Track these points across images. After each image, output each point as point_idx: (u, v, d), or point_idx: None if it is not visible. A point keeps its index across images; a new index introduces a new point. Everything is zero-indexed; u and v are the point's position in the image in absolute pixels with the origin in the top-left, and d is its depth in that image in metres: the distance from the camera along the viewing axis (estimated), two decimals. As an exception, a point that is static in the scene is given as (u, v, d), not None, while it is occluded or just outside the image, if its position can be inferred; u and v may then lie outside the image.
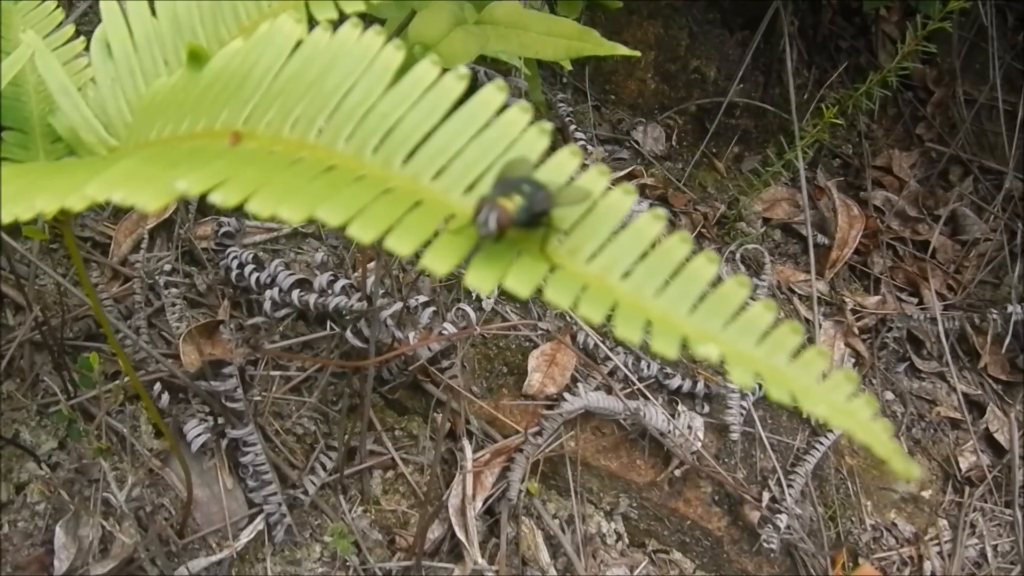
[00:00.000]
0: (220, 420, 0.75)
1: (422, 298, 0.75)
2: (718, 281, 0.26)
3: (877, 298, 1.12)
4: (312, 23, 0.29)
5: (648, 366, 0.90)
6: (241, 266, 0.80)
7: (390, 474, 0.86)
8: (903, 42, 1.38)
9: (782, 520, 0.88)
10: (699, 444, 0.90)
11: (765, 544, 0.88)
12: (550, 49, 0.62)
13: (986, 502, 1.05)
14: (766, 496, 0.92)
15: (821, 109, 1.27)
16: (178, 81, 0.33)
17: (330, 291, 0.76)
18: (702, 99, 1.20)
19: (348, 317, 0.76)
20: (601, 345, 0.90)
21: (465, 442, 0.83)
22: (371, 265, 0.87)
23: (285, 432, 0.82)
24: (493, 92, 0.27)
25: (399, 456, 0.85)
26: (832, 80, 1.29)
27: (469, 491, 0.83)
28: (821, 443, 0.96)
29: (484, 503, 0.84)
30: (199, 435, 0.73)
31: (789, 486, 0.92)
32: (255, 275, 0.79)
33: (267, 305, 0.77)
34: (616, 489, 0.90)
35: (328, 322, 0.79)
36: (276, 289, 0.77)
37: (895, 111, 1.33)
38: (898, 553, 1.00)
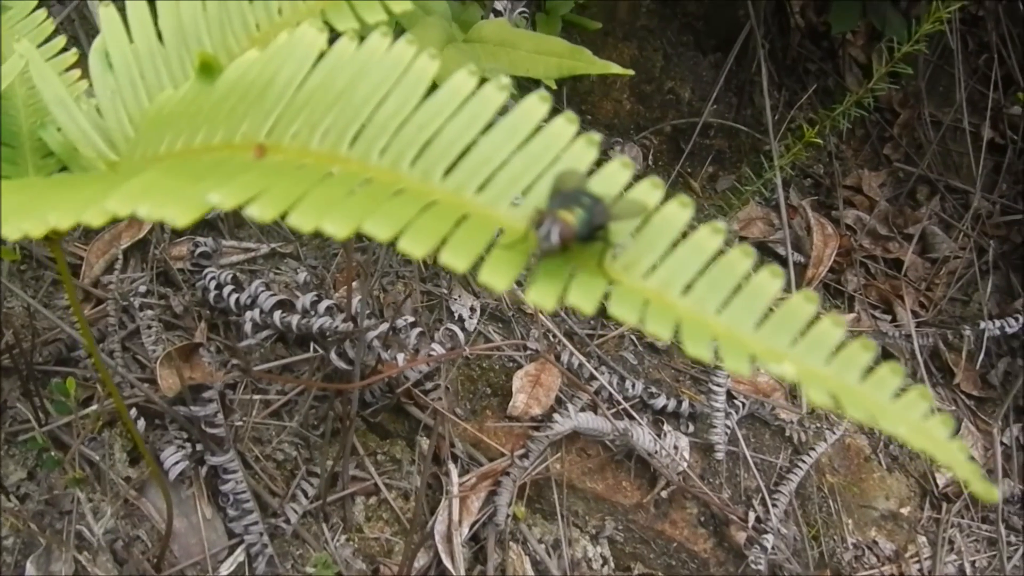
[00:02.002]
0: (199, 447, 0.73)
1: (409, 318, 0.74)
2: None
3: (852, 316, 1.13)
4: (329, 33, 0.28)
5: (633, 386, 0.90)
6: (219, 287, 0.77)
7: (373, 500, 0.84)
8: (869, 65, 1.41)
9: (768, 541, 0.88)
10: (685, 464, 0.89)
11: (753, 565, 0.87)
12: (541, 67, 0.61)
13: (963, 518, 1.06)
14: (751, 516, 0.91)
15: (792, 130, 1.29)
16: (188, 93, 0.31)
17: (313, 312, 0.74)
18: (677, 119, 1.21)
19: (332, 339, 0.74)
20: (586, 364, 0.90)
21: (451, 466, 0.82)
22: (356, 284, 0.85)
23: (265, 458, 0.80)
24: (536, 102, 0.27)
25: (382, 481, 0.83)
26: (802, 102, 1.31)
27: (455, 517, 0.81)
28: (804, 461, 0.96)
29: (470, 529, 0.82)
30: (177, 463, 0.71)
31: (774, 505, 0.92)
32: (234, 296, 0.77)
33: (247, 327, 0.75)
34: (602, 512, 0.89)
35: (311, 344, 0.77)
36: (257, 310, 0.75)
37: (863, 132, 1.36)
38: (879, 571, 1.00)
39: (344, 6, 0.35)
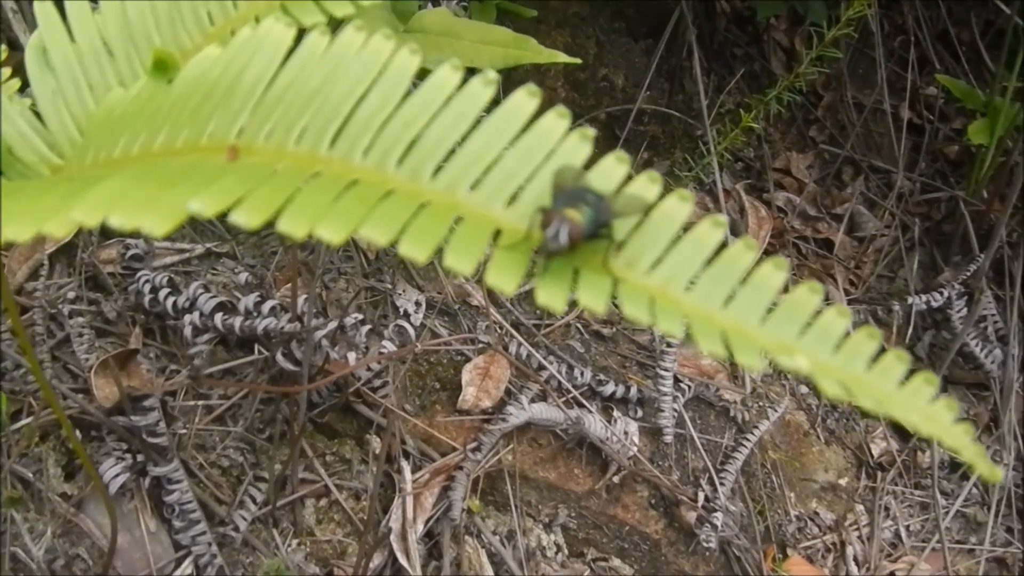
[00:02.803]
0: (140, 458, 0.70)
1: (357, 316, 0.72)
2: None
3: (787, 295, 1.16)
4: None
5: (582, 374, 0.90)
6: (155, 290, 0.74)
7: (323, 502, 0.82)
8: (793, 49, 1.44)
9: (718, 518, 0.90)
10: (635, 449, 0.90)
11: (704, 543, 0.89)
12: (486, 58, 0.60)
13: (896, 485, 1.10)
14: (700, 496, 0.93)
15: (723, 114, 1.31)
16: (141, 92, 0.29)
17: (257, 313, 0.71)
18: (611, 106, 1.22)
19: (277, 340, 0.72)
20: (535, 354, 0.89)
21: (403, 463, 0.81)
22: (290, 285, 0.83)
23: (210, 465, 0.77)
24: (525, 97, 0.26)
25: (333, 482, 0.81)
26: (731, 86, 1.33)
27: (410, 514, 0.80)
28: (748, 439, 0.98)
29: (425, 525, 0.82)
30: (117, 475, 0.68)
31: (721, 484, 0.94)
32: (171, 299, 0.74)
33: (187, 331, 0.72)
34: (555, 500, 0.89)
35: (255, 346, 0.75)
36: (196, 313, 0.72)
37: (789, 115, 1.39)
38: (822, 540, 1.03)
39: (309, 2, 0.33)
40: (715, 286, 0.24)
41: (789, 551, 1.00)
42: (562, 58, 0.58)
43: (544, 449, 0.89)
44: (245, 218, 0.21)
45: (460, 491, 0.80)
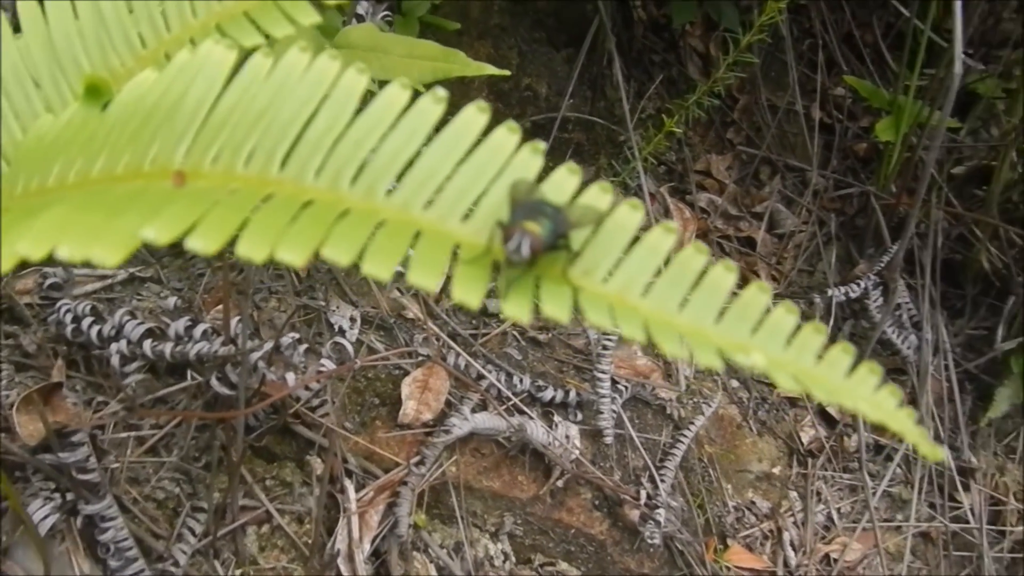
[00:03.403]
0: (69, 496, 0.67)
1: (294, 335, 0.71)
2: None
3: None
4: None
5: (521, 381, 0.91)
6: (77, 320, 0.72)
7: (266, 528, 0.80)
8: (708, 54, 1.48)
9: (661, 515, 0.92)
10: (577, 452, 0.91)
11: (648, 540, 0.91)
12: (415, 72, 0.60)
13: (826, 470, 1.14)
14: (642, 494, 0.95)
15: (644, 120, 1.34)
16: (74, 118, 0.28)
17: (188, 338, 0.70)
18: (536, 115, 1.23)
19: (210, 364, 0.70)
20: (473, 364, 0.90)
21: (347, 482, 0.80)
22: (221, 307, 0.81)
23: (145, 499, 0.75)
24: (475, 113, 0.26)
25: (274, 507, 0.80)
26: (651, 92, 1.36)
27: (356, 534, 0.79)
28: (684, 436, 1.00)
29: (371, 544, 0.81)
30: (47, 516, 0.65)
31: (662, 480, 0.96)
32: (95, 328, 0.71)
33: (115, 360, 0.69)
34: (500, 508, 0.89)
35: (187, 371, 0.73)
36: (123, 341, 0.70)
37: (707, 118, 1.43)
38: (759, 528, 1.06)
39: (244, 21, 0.33)
40: (670, 290, 0.25)
41: (729, 541, 1.03)
42: (490, 70, 0.59)
43: (487, 458, 0.89)
44: (202, 244, 0.21)
45: (406, 507, 0.80)
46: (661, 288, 0.25)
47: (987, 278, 1.24)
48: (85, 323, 0.71)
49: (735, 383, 1.16)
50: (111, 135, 0.26)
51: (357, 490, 0.81)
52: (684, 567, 0.97)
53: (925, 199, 1.17)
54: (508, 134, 0.27)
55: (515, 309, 0.24)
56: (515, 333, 0.99)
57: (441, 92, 0.26)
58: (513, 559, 0.91)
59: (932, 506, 1.12)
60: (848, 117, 1.37)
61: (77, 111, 0.29)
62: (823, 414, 1.19)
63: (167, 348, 0.70)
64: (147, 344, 0.70)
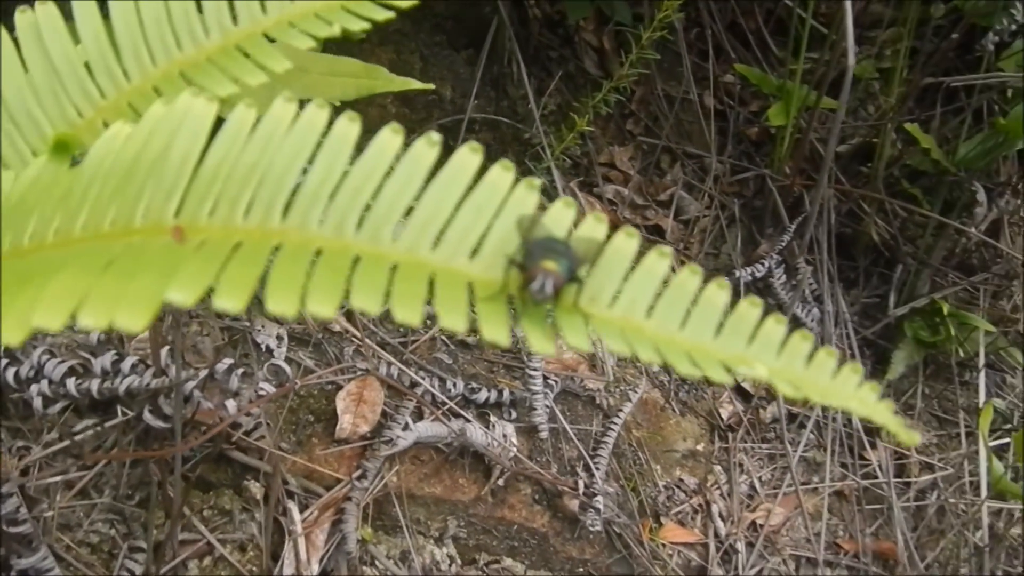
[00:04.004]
0: (0, 552, 0.64)
1: (228, 360, 0.69)
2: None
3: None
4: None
5: (455, 385, 0.92)
6: (-10, 365, 0.68)
7: (208, 561, 0.78)
8: (603, 48, 1.52)
9: (599, 502, 0.94)
10: (515, 449, 0.93)
11: (590, 528, 0.93)
12: (338, 89, 0.60)
13: (746, 443, 1.20)
14: (580, 484, 0.97)
15: (546, 116, 1.37)
16: (42, 175, 0.27)
17: (116, 372, 0.67)
18: (443, 118, 1.24)
19: (141, 397, 0.68)
20: (406, 371, 0.90)
21: (290, 504, 0.79)
22: (145, 335, 0.79)
23: (78, 545, 0.72)
24: (469, 154, 0.27)
25: (215, 538, 0.78)
26: (551, 88, 1.39)
27: (303, 555, 0.78)
28: (614, 424, 1.03)
29: (320, 564, 0.80)
30: (-23, 574, 0.62)
31: (597, 469, 0.98)
32: (11, 370, 0.67)
33: (37, 402, 0.66)
34: (443, 513, 0.90)
35: (117, 407, 0.70)
36: (45, 382, 0.66)
37: (607, 111, 1.47)
38: (689, 504, 1.11)
39: (210, 68, 0.32)
40: (670, 311, 0.27)
41: (663, 519, 1.07)
42: (415, 85, 0.59)
43: (427, 465, 0.90)
44: (230, 303, 0.21)
45: (352, 522, 0.80)
46: (662, 309, 0.27)
47: (877, 249, 1.32)
48: (1, 365, 0.67)
49: (655, 368, 1.20)
50: (90, 191, 0.25)
51: (301, 510, 0.80)
52: (623, 549, 1.00)
53: (816, 178, 1.24)
54: (503, 172, 0.28)
55: (540, 344, 0.25)
56: (443, 338, 1.00)
57: (435, 136, 0.27)
58: (459, 561, 0.92)
59: (844, 466, 1.19)
60: (739, 103, 1.43)
61: (45, 167, 0.28)
62: (739, 390, 1.24)
63: (94, 385, 0.67)
64: (71, 382, 0.67)
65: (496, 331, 0.24)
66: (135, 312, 0.20)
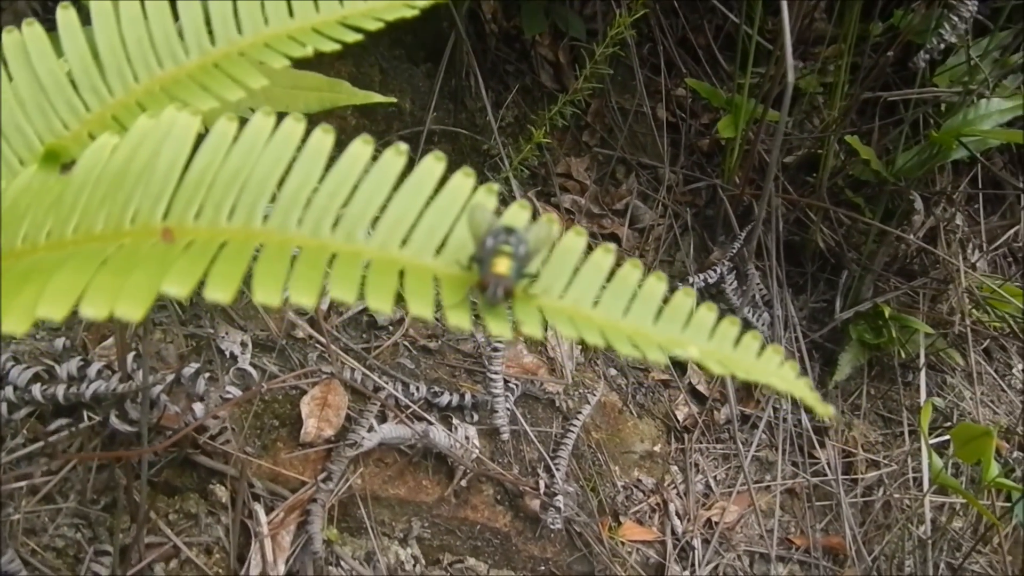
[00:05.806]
0: (-34, 555, 0.65)
1: (194, 365, 0.71)
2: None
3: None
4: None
5: (417, 389, 0.94)
6: (-46, 372, 0.69)
7: (174, 564, 0.79)
8: (558, 62, 1.56)
9: (560, 501, 0.97)
10: (477, 451, 0.95)
11: (551, 526, 0.96)
12: (301, 103, 0.62)
13: (701, 443, 1.24)
14: (541, 484, 1.00)
15: (503, 127, 1.40)
16: (32, 183, 0.29)
17: (82, 377, 0.68)
18: (402, 130, 1.26)
19: (107, 402, 0.69)
20: (370, 376, 0.92)
21: (256, 506, 0.80)
22: (109, 342, 0.80)
23: (44, 549, 0.73)
24: (433, 162, 0.29)
25: (181, 541, 0.79)
26: (508, 101, 1.42)
27: (270, 557, 0.80)
28: (574, 425, 1.06)
29: (286, 565, 0.82)
30: (-57, 579, 0.62)
31: (557, 469, 1.01)
32: (-24, 379, 0.68)
33: (2, 408, 0.67)
34: (407, 514, 0.92)
35: (83, 412, 0.71)
36: (10, 388, 0.67)
37: (563, 122, 1.51)
38: (647, 503, 1.14)
39: (190, 83, 0.34)
40: (615, 301, 0.30)
41: (622, 518, 1.10)
42: (377, 98, 0.61)
43: (392, 467, 0.92)
44: (220, 295, 0.23)
45: (318, 523, 0.81)
46: (608, 300, 0.30)
47: (823, 256, 1.38)
48: (-36, 374, 0.68)
49: (613, 371, 1.24)
50: (80, 197, 0.28)
51: (267, 513, 0.81)
52: (583, 547, 1.03)
53: (763, 187, 1.29)
54: (464, 178, 0.30)
55: (500, 330, 0.28)
56: (406, 343, 1.02)
57: (403, 146, 0.29)
58: (423, 561, 0.94)
59: (795, 464, 1.24)
60: (691, 116, 1.48)
61: (35, 176, 0.30)
62: (693, 392, 1.29)
63: (60, 390, 0.68)
64: (36, 388, 0.68)
65: (459, 321, 0.27)
66: (133, 304, 0.22)
